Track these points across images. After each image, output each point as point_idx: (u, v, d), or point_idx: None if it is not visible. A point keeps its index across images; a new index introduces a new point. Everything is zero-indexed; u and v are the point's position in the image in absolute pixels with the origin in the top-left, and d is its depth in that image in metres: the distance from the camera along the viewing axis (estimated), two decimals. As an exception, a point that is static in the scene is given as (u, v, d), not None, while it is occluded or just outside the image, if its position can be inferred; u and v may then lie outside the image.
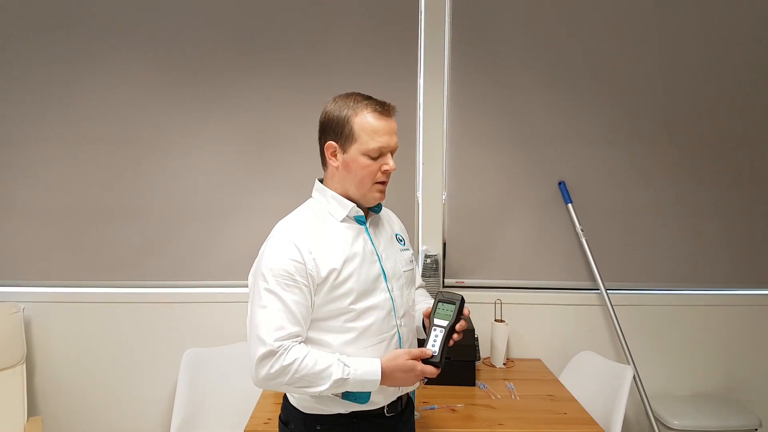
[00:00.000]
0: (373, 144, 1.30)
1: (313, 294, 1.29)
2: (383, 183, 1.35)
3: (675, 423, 2.25)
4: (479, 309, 2.41)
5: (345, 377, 1.24)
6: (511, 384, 2.17)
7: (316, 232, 1.33)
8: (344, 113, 1.32)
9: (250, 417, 1.86)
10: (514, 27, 2.46)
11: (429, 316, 1.35)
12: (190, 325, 2.44)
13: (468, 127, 2.49)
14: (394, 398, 1.40)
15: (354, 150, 1.31)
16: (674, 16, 2.46)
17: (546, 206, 2.50)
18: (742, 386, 2.54)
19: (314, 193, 1.43)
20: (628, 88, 2.48)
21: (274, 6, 2.41)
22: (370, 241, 1.39)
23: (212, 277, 2.45)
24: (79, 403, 2.44)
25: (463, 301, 1.34)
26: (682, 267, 2.53)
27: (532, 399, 2.03)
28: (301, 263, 1.27)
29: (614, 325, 2.41)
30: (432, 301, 1.40)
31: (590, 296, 2.51)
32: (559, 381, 2.24)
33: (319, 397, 1.34)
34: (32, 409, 2.38)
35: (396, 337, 1.38)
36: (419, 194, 2.50)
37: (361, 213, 1.38)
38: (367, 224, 1.41)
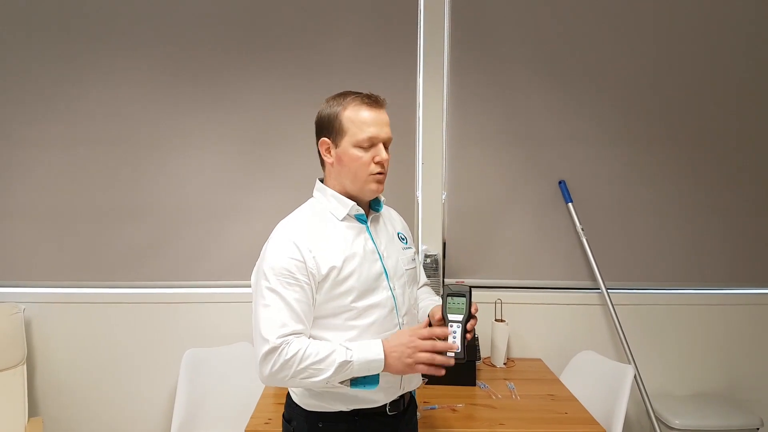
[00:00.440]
0: (362, 135, 1.31)
1: (314, 292, 1.30)
2: (379, 174, 1.35)
3: (676, 422, 2.24)
4: (480, 308, 2.37)
5: (348, 359, 1.23)
6: (512, 384, 2.17)
7: (316, 230, 1.34)
8: (334, 109, 1.35)
9: (251, 417, 1.86)
10: (513, 26, 2.46)
11: (441, 314, 1.33)
12: (190, 325, 2.44)
13: (467, 127, 2.49)
14: (395, 396, 1.40)
15: (345, 143, 1.33)
16: (674, 15, 2.46)
17: (546, 205, 2.50)
18: (744, 385, 2.54)
19: (315, 192, 1.44)
20: (629, 87, 2.48)
21: (274, 6, 2.41)
22: (371, 240, 1.39)
23: (212, 277, 2.45)
24: (79, 403, 2.44)
25: (470, 292, 1.33)
26: (682, 266, 2.53)
27: (533, 399, 2.03)
28: (301, 261, 1.28)
29: (615, 324, 2.41)
30: (436, 298, 1.39)
31: (591, 296, 2.50)
32: (559, 381, 2.24)
33: (321, 394, 1.35)
34: (33, 410, 2.38)
35: None
36: (419, 194, 2.50)
37: (362, 211, 1.39)
38: (368, 223, 1.41)
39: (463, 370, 2.13)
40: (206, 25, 2.41)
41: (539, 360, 2.47)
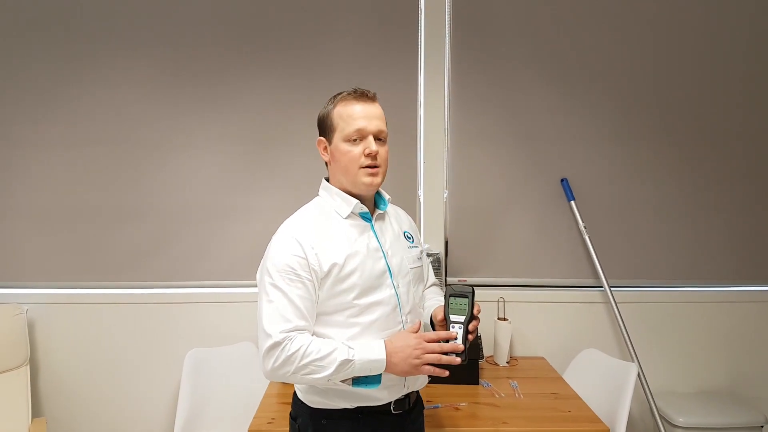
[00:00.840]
0: (349, 128, 1.33)
1: (317, 288, 1.31)
2: (370, 167, 1.35)
3: (680, 420, 2.24)
4: (482, 307, 2.36)
5: (350, 358, 1.25)
6: (515, 382, 2.16)
7: (319, 228, 1.35)
8: (327, 108, 1.39)
9: (254, 417, 1.86)
10: (514, 25, 2.45)
11: (443, 315, 1.35)
12: (193, 325, 2.44)
13: (469, 125, 2.48)
14: (400, 395, 1.41)
15: (336, 138, 1.36)
16: (675, 13, 2.46)
17: (548, 203, 2.50)
18: (747, 383, 2.53)
19: (321, 191, 1.46)
20: (630, 84, 2.48)
21: (274, 6, 2.41)
22: (375, 238, 1.40)
23: (214, 277, 2.45)
24: (82, 404, 2.44)
25: (473, 292, 1.34)
26: (685, 264, 2.52)
27: (536, 397, 2.03)
28: (303, 258, 1.29)
29: (618, 322, 2.40)
30: (442, 298, 1.39)
31: (593, 294, 2.50)
32: (563, 379, 2.23)
33: (325, 391, 1.35)
34: (36, 411, 2.38)
35: None
36: (421, 193, 2.49)
37: (366, 210, 1.40)
38: (373, 221, 1.42)
39: (466, 368, 2.12)
40: (206, 25, 2.41)
41: (542, 358, 2.47)
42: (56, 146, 2.40)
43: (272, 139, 2.43)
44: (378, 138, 1.36)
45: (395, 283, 1.38)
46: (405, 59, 2.44)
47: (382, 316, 1.35)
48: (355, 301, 1.33)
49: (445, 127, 2.48)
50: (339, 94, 1.38)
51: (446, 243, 2.51)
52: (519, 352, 2.50)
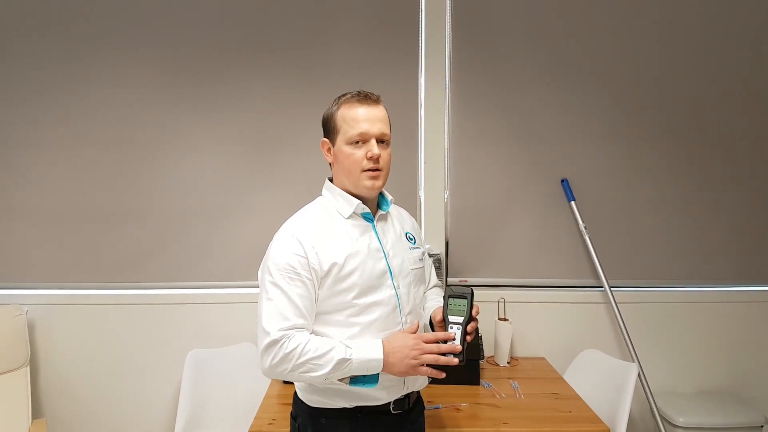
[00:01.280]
0: (352, 131, 1.34)
1: (317, 287, 1.32)
2: (372, 170, 1.35)
3: (680, 420, 2.24)
4: (483, 308, 2.35)
5: (347, 357, 1.25)
6: (516, 382, 2.16)
7: (321, 228, 1.36)
8: (331, 110, 1.39)
9: (255, 417, 1.86)
10: (515, 25, 2.46)
11: (441, 315, 1.35)
12: (194, 326, 2.44)
13: (470, 126, 2.48)
14: (399, 395, 1.41)
15: (339, 141, 1.37)
16: (676, 12, 2.46)
17: (549, 204, 2.50)
18: (747, 383, 2.53)
19: (324, 191, 1.46)
20: (631, 84, 2.48)
21: (275, 6, 2.41)
22: (376, 238, 1.41)
23: (215, 278, 2.45)
24: (83, 405, 2.44)
25: (473, 294, 1.34)
26: (686, 264, 2.52)
27: (537, 397, 2.03)
28: (303, 257, 1.30)
29: (618, 322, 2.40)
30: (441, 299, 1.40)
31: (594, 294, 2.50)
32: (563, 379, 2.23)
33: (324, 391, 1.36)
34: (36, 412, 2.38)
35: None
36: (421, 193, 2.49)
37: (368, 210, 1.41)
38: (375, 221, 1.43)
39: (467, 369, 2.13)
40: (207, 26, 2.41)
41: (543, 359, 2.47)
42: (56, 147, 2.39)
43: (273, 140, 2.43)
44: (381, 140, 1.36)
45: (395, 284, 1.39)
46: (405, 59, 2.44)
47: (382, 317, 1.36)
48: (355, 301, 1.33)
49: (446, 127, 2.48)
50: (343, 95, 1.39)
51: (447, 243, 2.51)
52: (519, 352, 2.50)
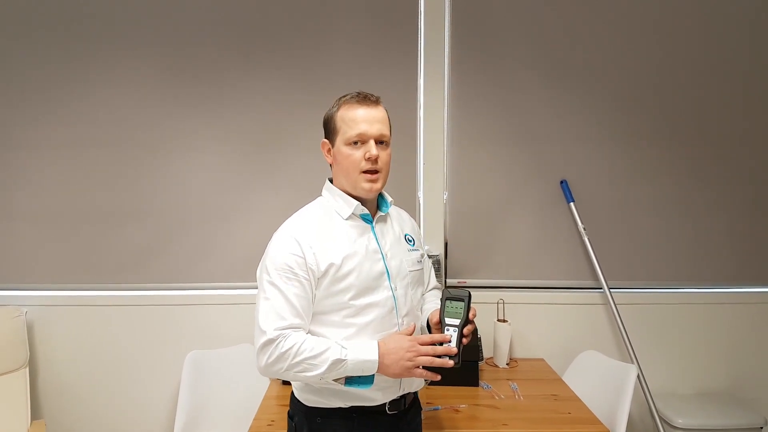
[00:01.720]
0: (351, 132, 1.34)
1: (314, 288, 1.32)
2: (370, 172, 1.35)
3: (679, 422, 2.24)
4: (482, 309, 2.37)
5: (342, 358, 1.26)
6: (515, 384, 2.16)
7: (319, 228, 1.37)
8: (331, 111, 1.40)
9: (254, 419, 1.86)
10: (514, 26, 2.46)
11: (438, 317, 1.35)
12: (193, 327, 2.44)
13: (469, 127, 2.48)
14: (395, 396, 1.41)
15: (338, 142, 1.37)
16: (675, 13, 2.46)
17: (548, 205, 2.50)
18: (747, 384, 2.53)
19: (324, 191, 1.47)
20: (630, 85, 2.48)
21: (274, 7, 2.41)
22: (374, 240, 1.41)
23: (214, 279, 2.45)
24: (82, 406, 2.44)
25: (470, 296, 1.34)
26: (685, 265, 2.52)
27: (536, 399, 2.03)
28: (301, 257, 1.31)
29: (617, 324, 2.40)
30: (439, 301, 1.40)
31: (593, 295, 2.50)
32: (562, 381, 2.23)
33: (320, 390, 1.36)
34: (35, 413, 2.38)
35: None
36: (420, 194, 2.49)
37: (367, 211, 1.41)
38: (374, 223, 1.43)
39: (466, 370, 2.13)
40: (206, 26, 2.41)
41: (542, 360, 2.47)
42: (55, 147, 2.39)
43: (273, 140, 2.43)
44: (380, 141, 1.36)
45: (393, 286, 1.39)
46: (405, 60, 2.45)
47: (378, 318, 1.36)
48: (352, 302, 1.34)
49: (445, 128, 2.48)
50: (343, 96, 1.39)
51: (446, 244, 2.51)
52: (519, 353, 2.50)
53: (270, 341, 1.26)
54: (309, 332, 1.33)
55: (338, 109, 1.38)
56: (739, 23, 2.46)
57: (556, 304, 2.51)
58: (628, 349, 2.37)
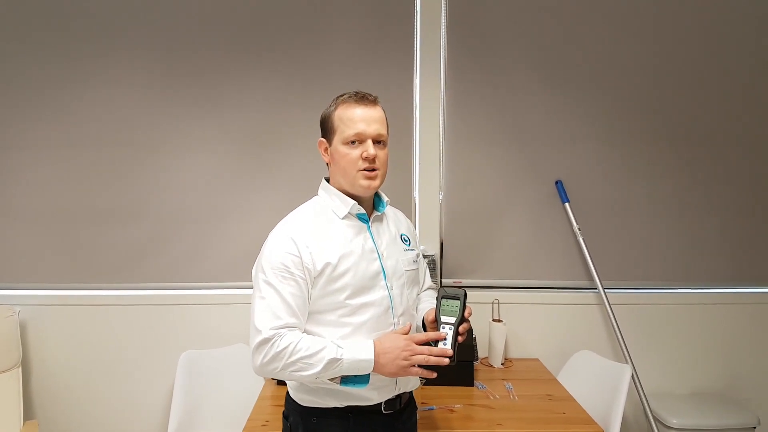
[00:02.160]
0: (348, 131, 1.34)
1: (310, 287, 1.32)
2: (368, 171, 1.35)
3: (673, 422, 2.25)
4: (477, 309, 2.37)
5: (338, 357, 1.26)
6: (510, 384, 2.16)
7: (315, 227, 1.37)
8: (329, 110, 1.40)
9: (248, 419, 1.85)
10: (510, 27, 2.46)
11: (434, 316, 1.35)
12: (187, 327, 2.43)
13: (465, 127, 2.48)
14: (391, 395, 1.41)
15: (336, 141, 1.37)
16: (670, 14, 2.47)
17: (543, 205, 2.50)
18: (741, 384, 2.54)
19: (320, 190, 1.46)
20: (625, 86, 2.49)
21: (270, 7, 2.41)
22: (371, 239, 1.41)
23: (209, 279, 2.44)
24: (75, 406, 2.43)
25: (465, 295, 1.35)
26: (679, 265, 2.53)
27: (531, 399, 2.03)
28: (297, 256, 1.30)
29: (612, 324, 2.41)
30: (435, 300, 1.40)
31: (588, 295, 2.50)
32: (557, 381, 2.24)
33: (315, 390, 1.36)
34: (28, 413, 2.36)
35: None
36: (416, 194, 2.49)
37: (363, 211, 1.41)
38: (370, 222, 1.43)
39: (461, 370, 2.13)
40: (202, 26, 2.40)
41: (537, 360, 2.47)
42: (50, 146, 2.38)
43: (269, 140, 2.43)
44: (378, 141, 1.36)
45: (389, 285, 1.39)
46: (401, 60, 2.44)
47: (374, 317, 1.36)
48: (347, 301, 1.34)
49: (441, 128, 2.48)
50: (341, 96, 1.39)
51: (441, 244, 2.51)
52: (513, 353, 2.51)
53: (265, 340, 1.26)
54: (304, 331, 1.33)
55: (336, 108, 1.37)
56: (734, 24, 2.47)
57: (551, 304, 2.51)
58: (622, 349, 2.38)
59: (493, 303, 2.45)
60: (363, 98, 1.36)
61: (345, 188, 1.39)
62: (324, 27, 2.42)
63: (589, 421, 1.83)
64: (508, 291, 2.50)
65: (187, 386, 2.17)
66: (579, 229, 2.46)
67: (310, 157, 2.25)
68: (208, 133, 2.42)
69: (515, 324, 2.47)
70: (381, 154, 1.36)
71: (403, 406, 1.46)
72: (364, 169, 1.34)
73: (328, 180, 1.46)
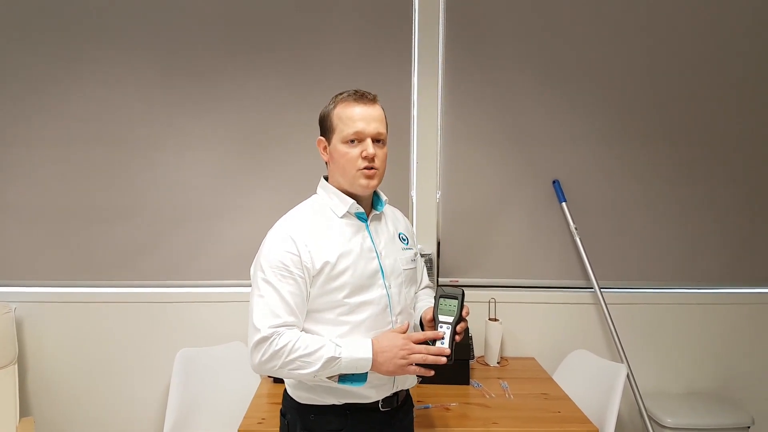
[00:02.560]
0: (348, 130, 1.34)
1: (308, 285, 1.32)
2: (367, 169, 1.35)
3: (668, 421, 2.26)
4: (473, 308, 2.36)
5: (336, 356, 1.26)
6: (505, 383, 2.17)
7: (314, 226, 1.37)
8: (328, 109, 1.39)
9: (244, 417, 1.85)
10: (508, 26, 2.46)
11: (432, 315, 1.36)
12: (184, 325, 2.43)
13: (462, 126, 2.49)
14: (388, 393, 1.41)
15: (335, 139, 1.37)
16: (667, 13, 2.47)
17: (540, 205, 2.51)
18: (735, 384, 2.55)
19: (319, 189, 1.46)
20: (622, 85, 2.49)
21: (268, 6, 2.40)
22: (369, 238, 1.41)
23: (205, 276, 2.44)
24: (71, 403, 2.42)
25: (463, 295, 1.35)
26: (675, 265, 2.54)
27: (526, 398, 2.04)
28: (296, 255, 1.31)
29: (608, 323, 2.42)
30: (432, 299, 1.40)
31: (584, 295, 2.51)
32: (553, 380, 2.25)
33: (313, 387, 1.36)
34: (24, 410, 2.36)
35: None
36: (413, 193, 2.50)
37: (362, 210, 1.41)
38: (369, 221, 1.43)
39: (457, 369, 2.13)
40: (201, 25, 2.39)
41: (533, 359, 2.48)
42: (46, 144, 2.38)
43: (266, 139, 2.42)
44: (377, 140, 1.36)
45: (387, 284, 1.39)
46: (399, 59, 2.44)
47: (372, 316, 1.36)
48: (346, 300, 1.34)
49: (438, 127, 2.48)
50: (340, 94, 1.39)
51: (438, 243, 2.51)
52: (509, 352, 2.51)
53: (264, 339, 1.26)
54: (303, 330, 1.33)
55: (335, 107, 1.37)
56: (730, 24, 2.48)
57: (547, 303, 2.52)
58: (618, 348, 2.38)
59: (489, 302, 2.45)
60: (362, 97, 1.36)
61: (344, 187, 1.39)
62: (322, 26, 2.42)
63: (584, 420, 1.84)
64: (504, 290, 2.51)
65: (183, 384, 2.17)
66: (576, 229, 2.47)
67: (308, 156, 2.25)
68: (206, 132, 2.42)
69: (511, 323, 2.48)
70: (380, 153, 1.36)
71: (400, 403, 1.47)
72: (364, 168, 1.34)
73: (326, 179, 1.45)
